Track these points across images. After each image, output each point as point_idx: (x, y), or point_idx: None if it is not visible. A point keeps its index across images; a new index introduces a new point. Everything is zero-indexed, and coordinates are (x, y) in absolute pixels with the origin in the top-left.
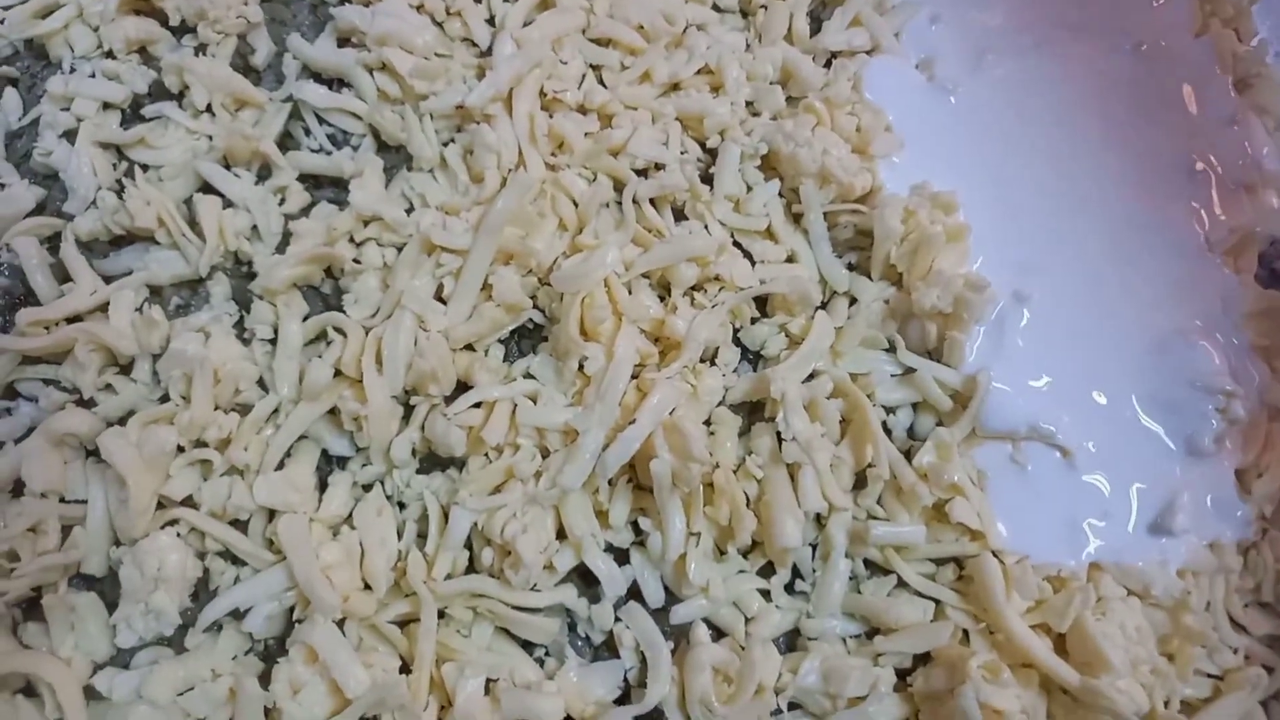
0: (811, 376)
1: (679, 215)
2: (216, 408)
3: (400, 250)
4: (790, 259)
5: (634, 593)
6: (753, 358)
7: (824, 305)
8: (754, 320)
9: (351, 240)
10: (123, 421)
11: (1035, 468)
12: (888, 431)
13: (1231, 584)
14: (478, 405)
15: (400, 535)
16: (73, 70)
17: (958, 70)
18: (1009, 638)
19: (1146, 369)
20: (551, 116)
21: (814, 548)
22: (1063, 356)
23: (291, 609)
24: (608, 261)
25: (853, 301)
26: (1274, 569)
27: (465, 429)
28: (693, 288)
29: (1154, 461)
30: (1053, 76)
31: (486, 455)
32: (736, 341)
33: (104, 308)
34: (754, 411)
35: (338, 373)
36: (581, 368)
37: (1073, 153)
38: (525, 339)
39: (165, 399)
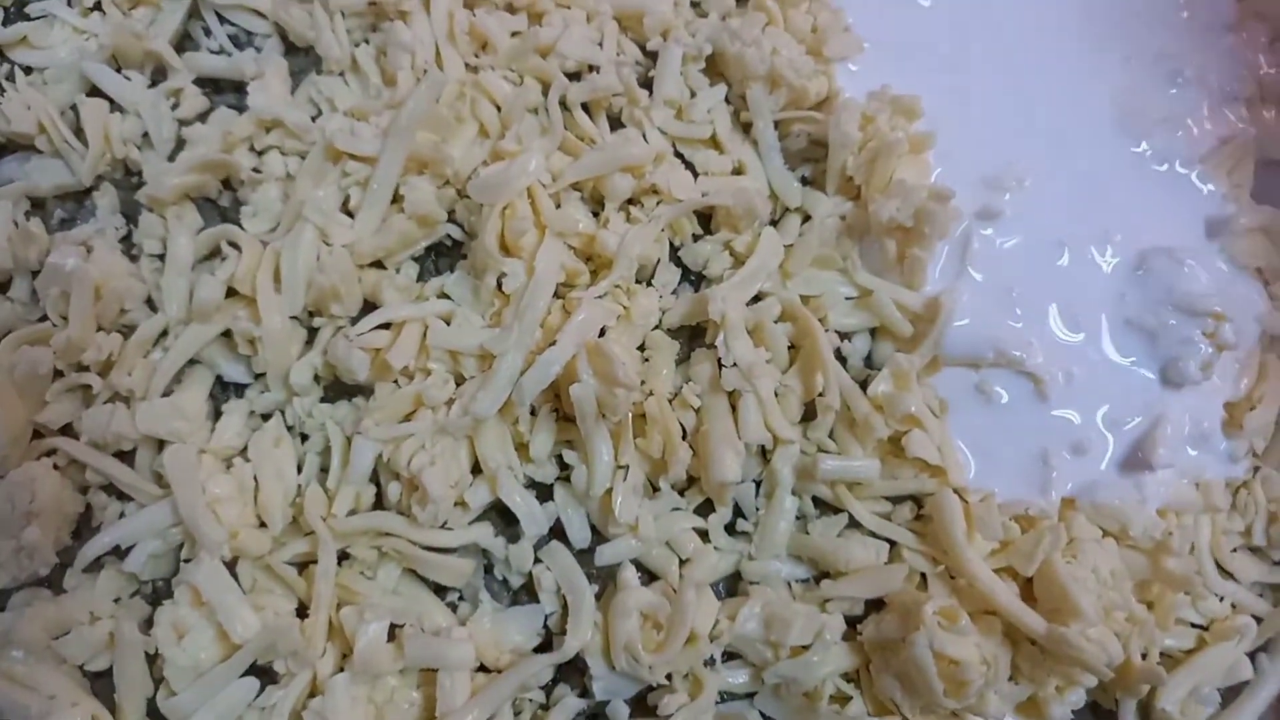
0: (758, 298)
1: (615, 124)
2: (99, 329)
3: (304, 159)
4: (737, 171)
5: (557, 533)
6: (694, 279)
7: (775, 222)
8: (696, 238)
9: (252, 149)
10: None
11: (1002, 397)
12: (842, 360)
13: (1218, 525)
14: (386, 326)
15: (300, 469)
16: None
17: None
18: (970, 582)
19: (1125, 291)
20: (474, 13)
21: (758, 485)
22: (1033, 277)
23: (180, 548)
24: (530, 169)
25: (806, 218)
26: (1266, 510)
27: (371, 352)
28: (628, 201)
29: (1132, 390)
30: None
31: (395, 382)
32: (676, 261)
33: None
34: (695, 337)
35: (233, 292)
36: (500, 286)
37: (1048, 58)
38: (442, 257)
39: (45, 320)
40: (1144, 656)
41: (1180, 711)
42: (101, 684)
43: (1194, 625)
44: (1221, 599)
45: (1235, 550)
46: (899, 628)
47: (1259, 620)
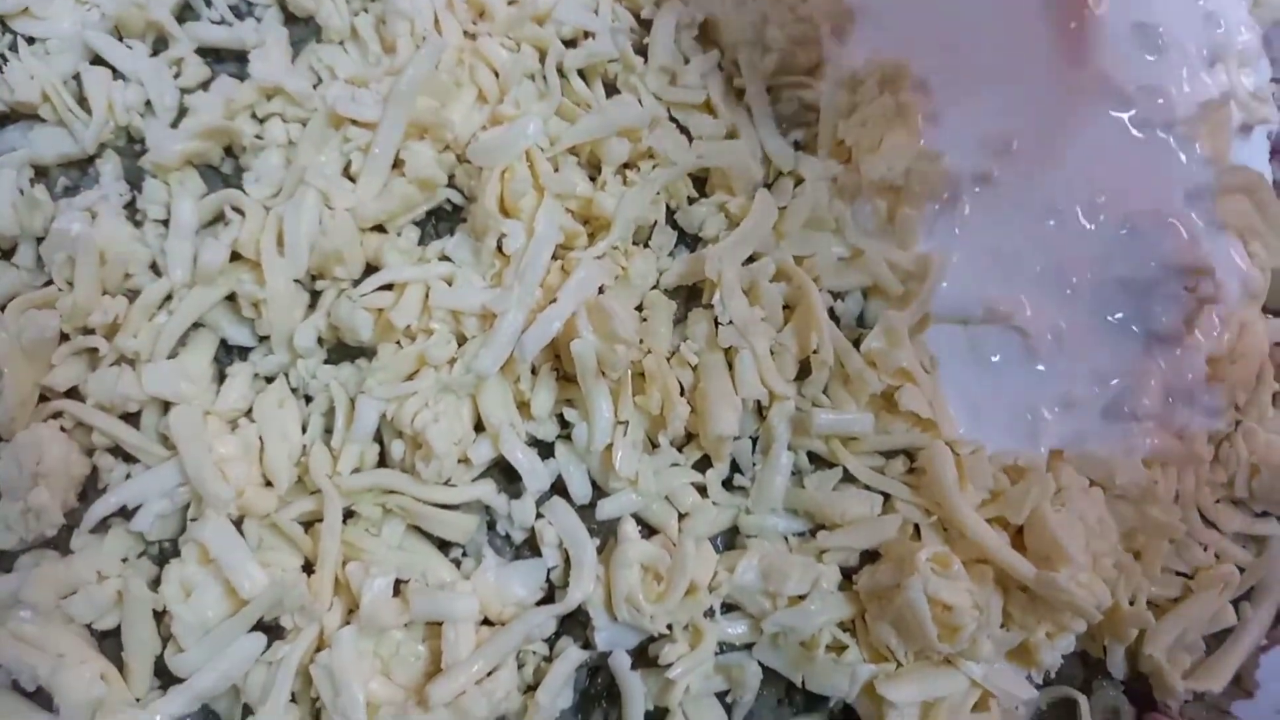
0: (752, 259)
1: (610, 90)
2: (105, 293)
3: (305, 125)
4: (730, 135)
5: (559, 489)
6: (691, 241)
7: (769, 186)
8: (691, 201)
9: (254, 117)
10: (3, 310)
11: (991, 353)
12: (835, 319)
13: (1202, 476)
14: (388, 288)
15: (304, 429)
16: None
17: None
18: (962, 531)
19: (1111, 249)
20: None
21: (754, 441)
22: (1021, 238)
23: (186, 508)
24: (529, 132)
25: (798, 181)
26: (1248, 462)
27: (374, 312)
28: (624, 165)
29: (1118, 345)
30: None
31: (398, 343)
32: (673, 224)
33: None
34: (691, 298)
35: (236, 257)
36: (500, 248)
37: (1034, 24)
38: (442, 222)
39: (50, 285)
40: (1131, 603)
41: (1167, 658)
42: (109, 643)
43: (1179, 574)
44: (1205, 548)
45: (1218, 502)
46: (894, 575)
47: (1241, 570)
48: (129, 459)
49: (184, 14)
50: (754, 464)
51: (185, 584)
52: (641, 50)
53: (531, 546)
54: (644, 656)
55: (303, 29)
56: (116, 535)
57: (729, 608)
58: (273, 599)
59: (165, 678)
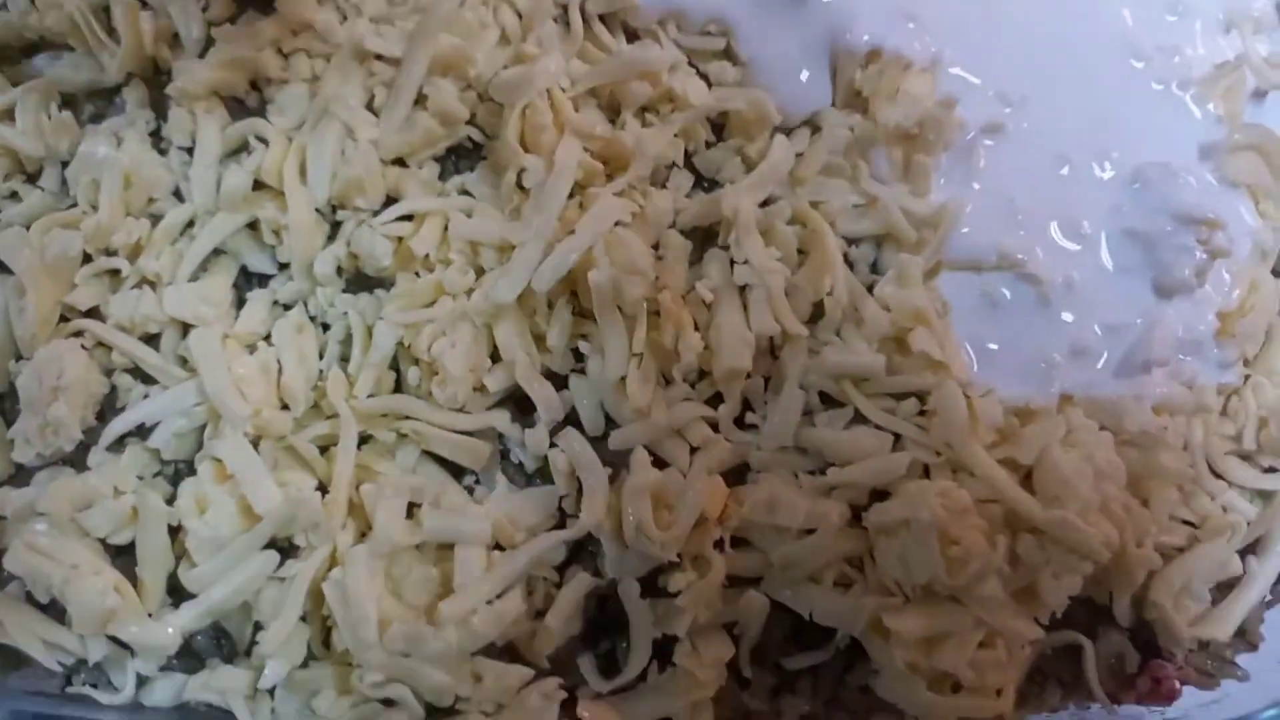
0: (768, 204)
1: (631, 38)
2: (128, 215)
3: (330, 60)
4: (748, 82)
5: (572, 421)
6: (707, 186)
7: (787, 135)
8: (709, 145)
9: (279, 52)
10: (27, 230)
11: (1003, 300)
12: (850, 265)
13: (1210, 426)
14: (408, 219)
15: (321, 355)
16: None
17: None
18: (972, 471)
19: (1122, 202)
20: None
21: (766, 382)
22: (1035, 189)
23: (202, 430)
24: (551, 69)
25: (815, 130)
26: (1256, 415)
27: (394, 241)
28: (644, 109)
29: (1129, 296)
30: None
31: (416, 273)
32: (691, 169)
33: (11, 113)
34: (707, 240)
35: (260, 185)
36: (520, 183)
37: None
38: (463, 158)
39: (74, 208)
40: (1138, 547)
41: (1172, 606)
42: (123, 559)
43: (1186, 523)
44: (1213, 498)
45: (1226, 454)
46: (903, 510)
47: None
48: (147, 380)
49: None
50: (765, 402)
51: (200, 500)
52: None
53: (544, 476)
54: (653, 587)
55: None
56: (133, 452)
57: (737, 542)
58: (287, 515)
59: (178, 595)
